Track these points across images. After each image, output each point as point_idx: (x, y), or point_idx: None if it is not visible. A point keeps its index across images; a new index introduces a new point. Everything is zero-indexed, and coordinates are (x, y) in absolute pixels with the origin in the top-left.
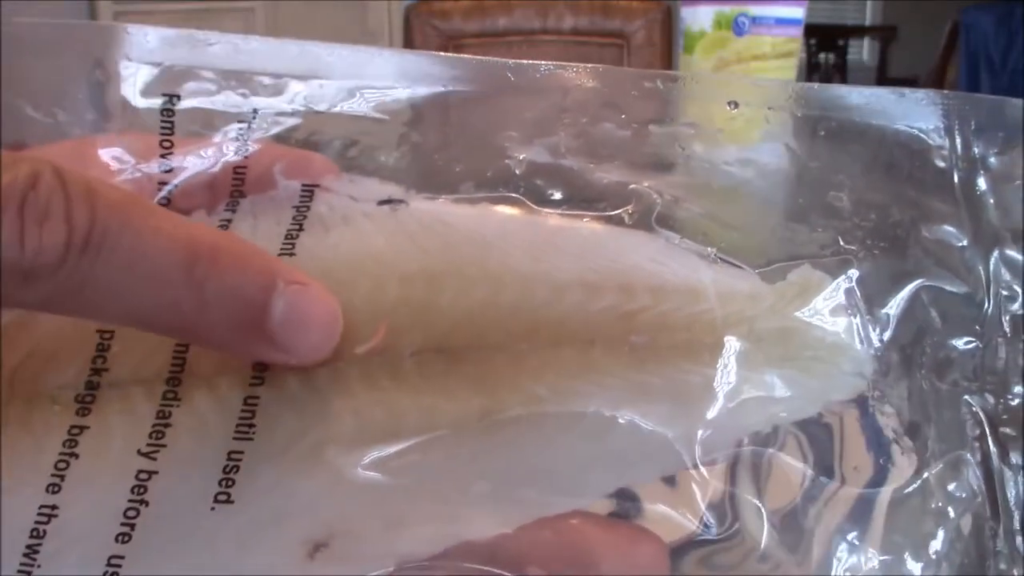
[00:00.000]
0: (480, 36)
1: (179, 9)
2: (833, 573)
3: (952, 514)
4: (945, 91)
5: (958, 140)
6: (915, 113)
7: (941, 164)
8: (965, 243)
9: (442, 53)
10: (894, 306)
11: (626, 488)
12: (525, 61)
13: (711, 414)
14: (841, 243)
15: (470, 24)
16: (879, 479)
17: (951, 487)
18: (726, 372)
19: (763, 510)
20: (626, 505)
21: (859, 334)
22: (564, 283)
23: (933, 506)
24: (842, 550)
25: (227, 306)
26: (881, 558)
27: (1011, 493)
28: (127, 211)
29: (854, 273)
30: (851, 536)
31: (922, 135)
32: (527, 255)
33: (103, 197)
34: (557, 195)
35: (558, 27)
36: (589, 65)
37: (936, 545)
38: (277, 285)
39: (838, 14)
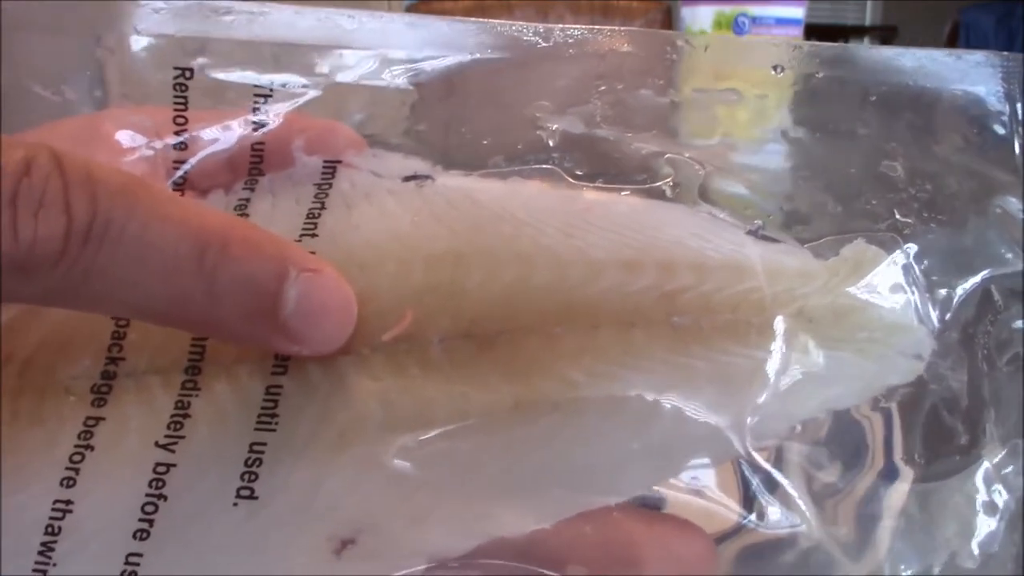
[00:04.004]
0: None
1: None
2: (890, 563)
3: (1009, 500)
4: (1005, 53)
5: (1019, 105)
6: (972, 76)
7: (1001, 131)
8: None
9: (468, 19)
10: (957, 290)
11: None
12: (555, 25)
13: (760, 400)
14: (896, 216)
15: None
16: (938, 468)
17: (1007, 472)
18: (776, 355)
19: (811, 501)
20: (658, 496)
21: (917, 312)
22: (600, 262)
23: (990, 494)
24: (897, 540)
25: (238, 296)
26: (937, 546)
27: None
28: (133, 198)
29: (911, 247)
30: (906, 525)
31: (981, 99)
32: (560, 233)
33: (106, 183)
34: (593, 168)
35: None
36: (622, 28)
37: (992, 532)
38: (289, 273)
39: (838, 14)
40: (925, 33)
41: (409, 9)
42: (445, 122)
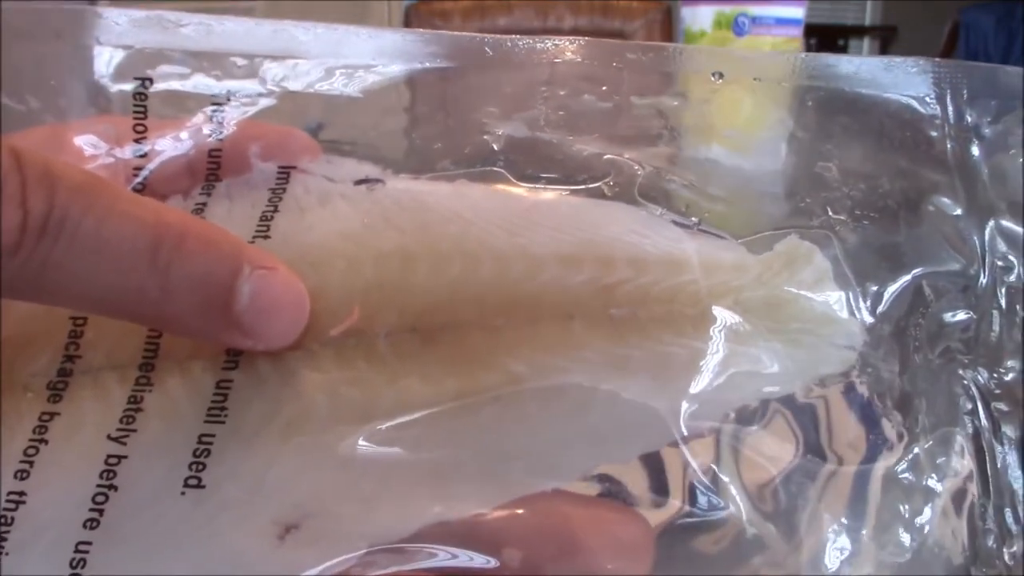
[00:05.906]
0: None
1: (178, 8)
2: (824, 551)
3: (941, 490)
4: (936, 59)
5: (950, 109)
6: (906, 82)
7: (933, 133)
8: (959, 213)
9: (419, 30)
10: (889, 285)
11: (609, 471)
12: (503, 36)
13: (696, 388)
14: (829, 213)
15: (470, 24)
16: (870, 455)
17: (941, 462)
18: (711, 344)
19: (746, 488)
20: (610, 487)
21: (849, 306)
22: (541, 257)
23: (922, 482)
24: (831, 528)
25: (192, 291)
26: (870, 534)
27: (1002, 469)
28: (90, 194)
29: (843, 244)
30: (840, 513)
31: (914, 104)
32: (504, 231)
33: (64, 179)
34: (537, 169)
35: (558, 27)
36: (570, 38)
37: (924, 521)
38: (243, 270)
39: (838, 14)
40: (925, 33)
41: (409, 9)
42: (397, 128)
